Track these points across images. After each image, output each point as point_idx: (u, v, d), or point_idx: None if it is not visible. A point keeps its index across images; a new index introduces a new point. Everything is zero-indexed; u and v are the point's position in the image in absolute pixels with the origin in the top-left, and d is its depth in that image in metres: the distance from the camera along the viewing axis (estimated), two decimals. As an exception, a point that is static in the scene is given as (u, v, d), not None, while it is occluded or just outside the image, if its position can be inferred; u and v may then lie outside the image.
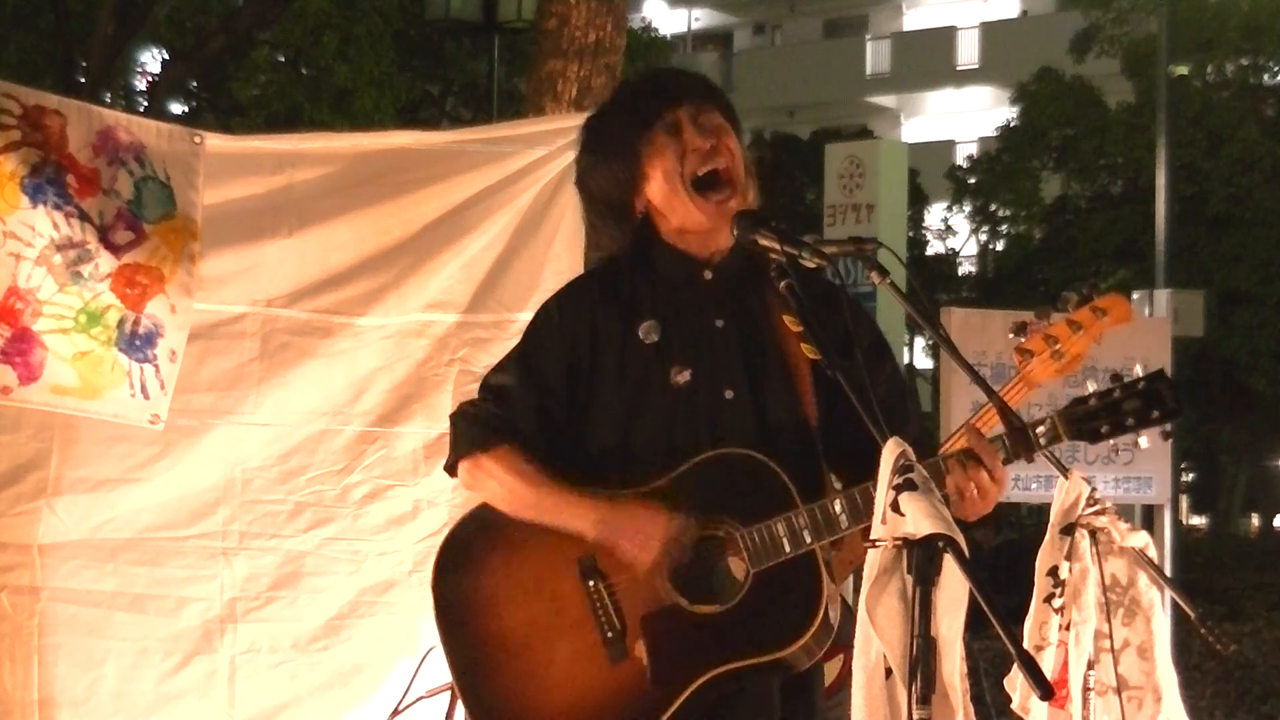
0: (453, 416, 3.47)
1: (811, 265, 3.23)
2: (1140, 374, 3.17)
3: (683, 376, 3.32)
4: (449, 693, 3.54)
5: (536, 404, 3.37)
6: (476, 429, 3.38)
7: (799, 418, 3.34)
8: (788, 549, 3.20)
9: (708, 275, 3.40)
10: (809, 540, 3.19)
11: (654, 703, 3.22)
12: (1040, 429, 3.15)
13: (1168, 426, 3.15)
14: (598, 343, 3.37)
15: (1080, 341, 3.69)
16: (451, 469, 3.44)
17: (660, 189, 3.39)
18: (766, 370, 3.35)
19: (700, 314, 3.38)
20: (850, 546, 3.46)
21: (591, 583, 3.28)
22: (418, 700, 4.24)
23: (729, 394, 3.33)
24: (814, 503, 3.21)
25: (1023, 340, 3.71)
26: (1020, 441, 3.13)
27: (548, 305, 3.51)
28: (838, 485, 3.33)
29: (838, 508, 3.19)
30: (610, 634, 3.26)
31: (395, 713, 4.34)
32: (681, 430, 3.31)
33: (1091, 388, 3.17)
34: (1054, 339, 3.70)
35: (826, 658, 3.37)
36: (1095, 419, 3.15)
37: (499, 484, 3.34)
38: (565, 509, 3.28)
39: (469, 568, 3.39)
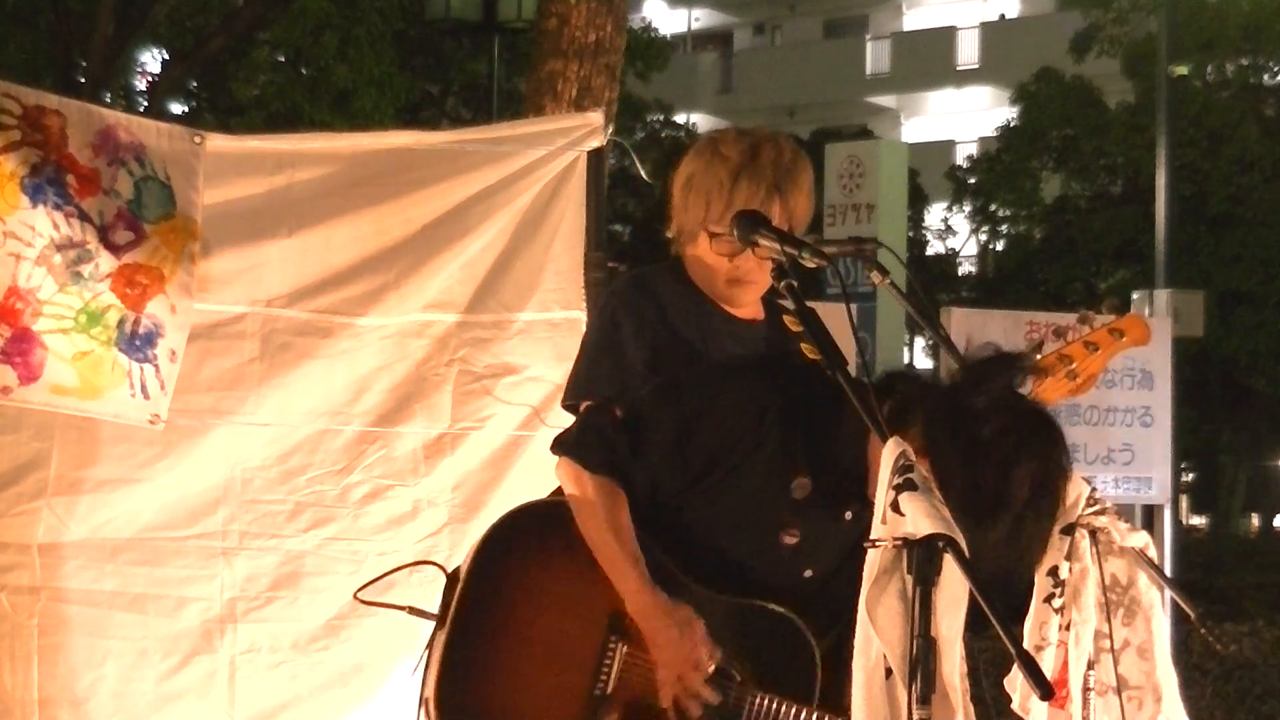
0: (589, 412, 3.48)
1: (812, 265, 3.24)
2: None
3: (791, 540, 3.33)
4: (432, 623, 3.47)
5: (655, 478, 3.33)
6: (601, 454, 3.32)
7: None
8: None
9: (862, 471, 3.33)
10: None
11: None
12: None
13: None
14: (745, 453, 3.31)
15: (1095, 362, 3.69)
16: (556, 451, 3.40)
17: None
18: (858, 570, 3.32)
19: (840, 501, 3.35)
20: None
21: (614, 639, 3.29)
22: (400, 609, 4.07)
23: (809, 574, 3.35)
24: (830, 710, 3.23)
25: (1038, 358, 3.70)
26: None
27: (736, 373, 3.44)
28: None
29: None
30: (598, 691, 3.28)
31: (362, 597, 4.18)
32: (759, 573, 3.33)
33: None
34: (1069, 359, 3.70)
35: None
36: None
37: (586, 503, 3.31)
38: (628, 576, 3.27)
39: (522, 548, 3.38)
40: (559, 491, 3.41)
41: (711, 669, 3.25)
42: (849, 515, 3.34)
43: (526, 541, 3.40)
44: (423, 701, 3.31)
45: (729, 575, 3.32)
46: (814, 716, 3.25)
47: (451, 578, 3.38)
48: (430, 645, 3.36)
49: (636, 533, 3.30)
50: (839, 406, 3.15)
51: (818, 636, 3.31)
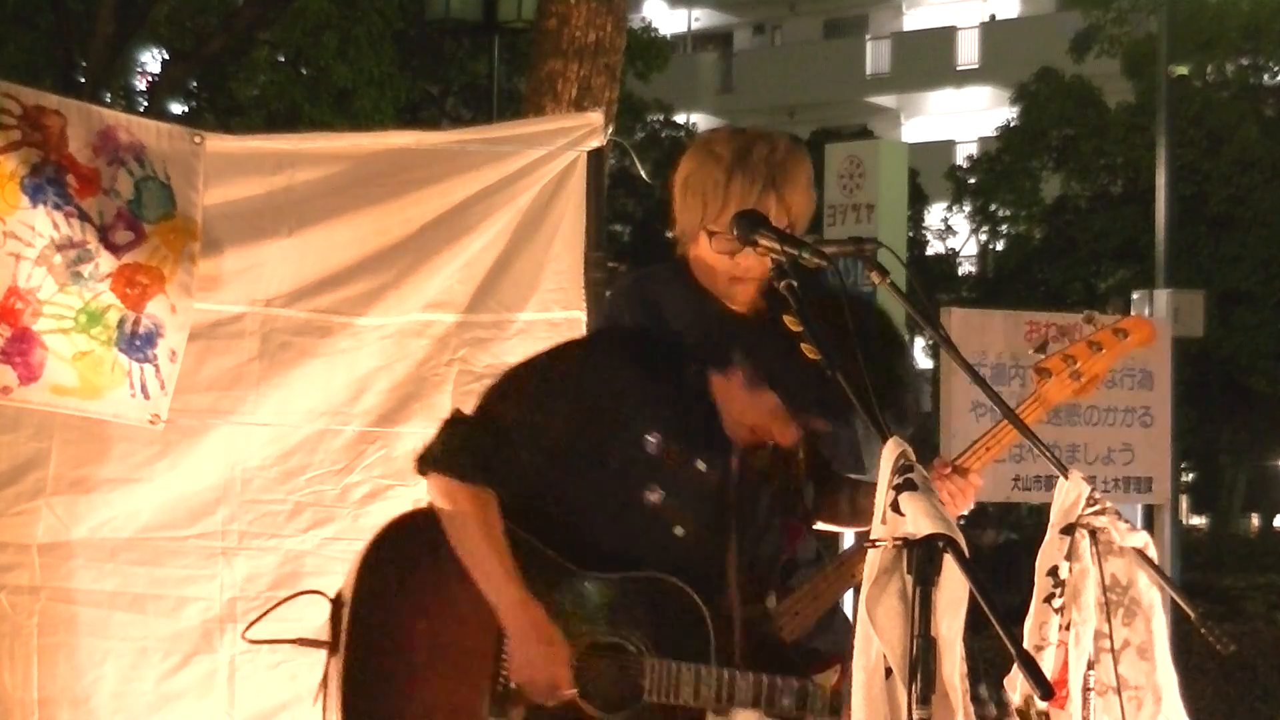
0: (449, 424, 3.48)
1: (812, 265, 3.24)
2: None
3: (654, 496, 3.40)
4: (325, 651, 3.49)
5: (525, 474, 3.39)
6: (469, 460, 3.38)
7: (744, 567, 3.44)
8: (684, 697, 3.31)
9: (712, 424, 3.43)
10: (705, 699, 3.32)
11: None
12: None
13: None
14: (608, 423, 3.40)
15: (1100, 363, 3.68)
16: (423, 470, 3.46)
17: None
18: (728, 523, 3.44)
19: (692, 452, 3.43)
20: (850, 564, 3.50)
21: (508, 634, 3.34)
22: (288, 643, 4.10)
23: (679, 531, 3.41)
24: (725, 669, 3.31)
25: (1041, 359, 3.69)
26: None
27: (582, 360, 3.54)
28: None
29: (741, 685, 3.31)
30: (500, 688, 3.32)
31: (247, 636, 4.19)
32: (636, 540, 3.39)
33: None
34: (1073, 359, 3.69)
35: (821, 668, 3.41)
36: None
37: (458, 517, 3.37)
38: (498, 590, 3.33)
39: (408, 556, 3.43)
40: None
41: (567, 697, 3.29)
42: (701, 465, 3.41)
43: (406, 553, 3.44)
44: None
45: (609, 551, 3.38)
46: (711, 674, 3.31)
47: (336, 602, 3.42)
48: (326, 674, 3.39)
49: (517, 531, 3.36)
50: (680, 363, 3.37)
51: (705, 596, 3.35)
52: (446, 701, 3.34)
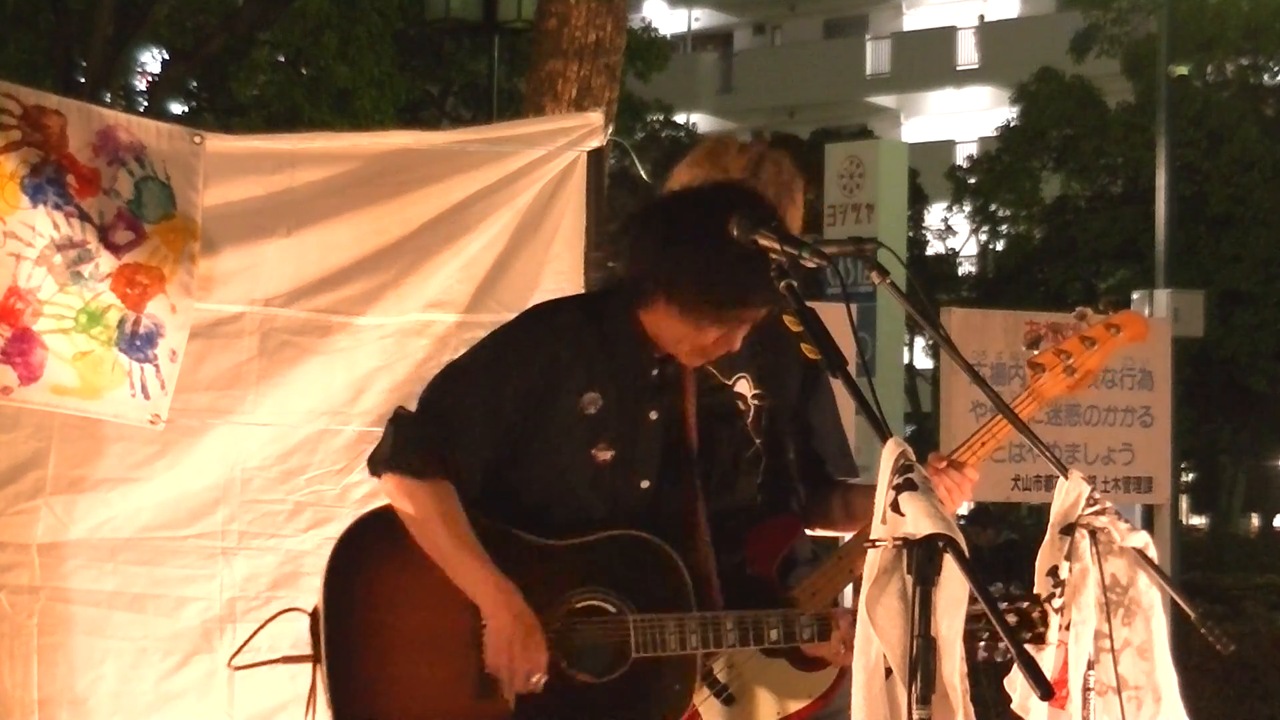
0: (394, 421, 3.47)
1: (812, 265, 3.24)
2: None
3: (606, 455, 3.40)
4: (309, 665, 3.51)
5: (484, 443, 3.40)
6: (418, 455, 3.38)
7: (694, 515, 3.44)
8: (672, 647, 3.31)
9: (655, 373, 3.45)
10: (694, 645, 3.32)
11: None
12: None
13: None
14: (548, 392, 3.41)
15: (1093, 358, 3.68)
16: (376, 473, 3.45)
17: (658, 321, 3.39)
18: (679, 464, 3.44)
19: (637, 402, 3.43)
20: (849, 559, 3.50)
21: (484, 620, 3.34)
22: (270, 663, 4.13)
23: (644, 484, 3.42)
24: (708, 611, 3.32)
25: (1035, 354, 3.69)
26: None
27: (517, 335, 3.51)
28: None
29: (729, 626, 3.31)
30: (485, 669, 3.31)
31: (232, 663, 4.22)
32: (597, 502, 3.40)
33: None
34: (1067, 354, 3.69)
35: (819, 668, 3.41)
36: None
37: (419, 515, 3.36)
38: (467, 574, 3.33)
39: (376, 555, 3.42)
40: None
41: (538, 679, 3.28)
42: (653, 415, 3.42)
43: (370, 555, 3.43)
44: None
45: (578, 519, 3.38)
46: (694, 619, 3.31)
47: (313, 615, 3.43)
48: (313, 687, 3.40)
49: (480, 517, 3.36)
50: (612, 324, 3.38)
51: (682, 549, 3.36)
52: (434, 691, 3.34)
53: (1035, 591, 3.91)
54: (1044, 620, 3.42)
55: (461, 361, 3.54)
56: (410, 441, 3.40)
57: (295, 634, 4.69)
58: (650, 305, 3.38)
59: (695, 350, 3.40)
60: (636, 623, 3.31)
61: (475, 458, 3.39)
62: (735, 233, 3.29)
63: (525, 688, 3.29)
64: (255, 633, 3.99)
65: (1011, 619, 3.36)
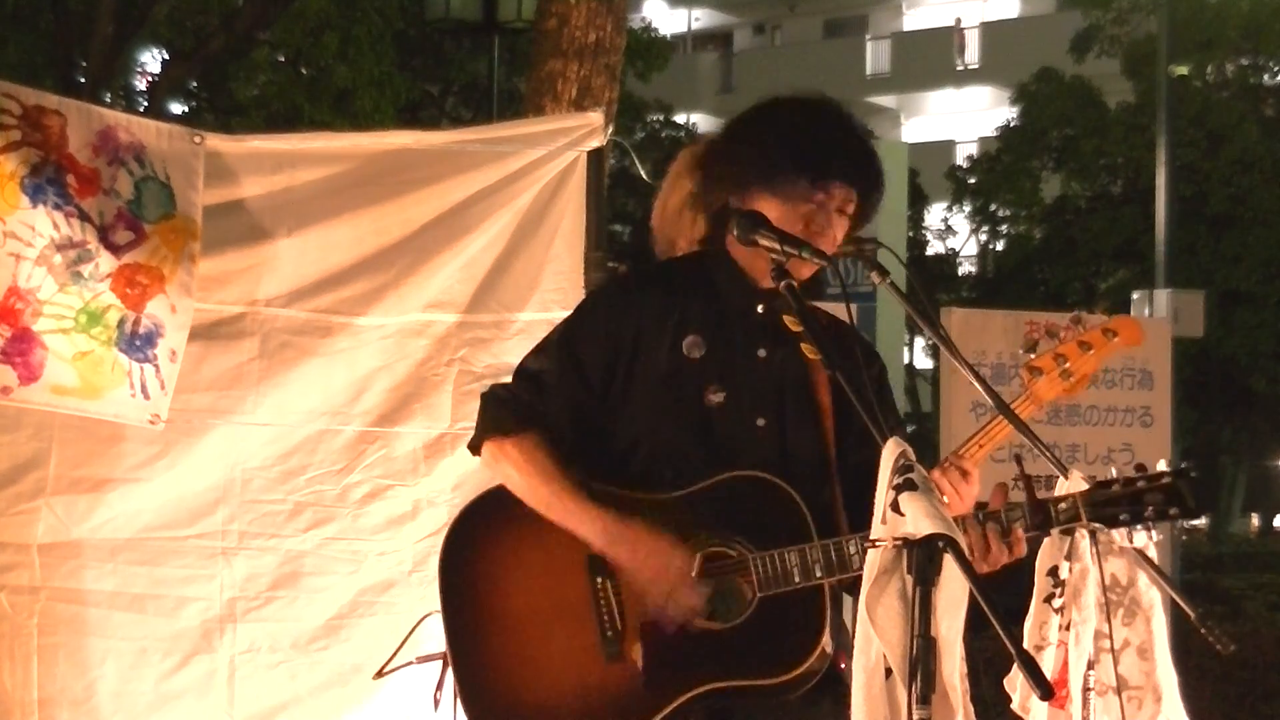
0: (484, 396, 3.48)
1: (812, 265, 3.24)
2: (1166, 466, 3.29)
3: (717, 397, 3.35)
4: (440, 661, 3.55)
5: (571, 396, 3.38)
6: (506, 413, 3.40)
7: (822, 456, 3.38)
8: (797, 580, 3.24)
9: (760, 308, 3.41)
10: (819, 575, 3.23)
11: (643, 706, 3.24)
12: (1062, 505, 3.25)
13: (1181, 523, 3.28)
14: (640, 345, 3.37)
15: (1090, 361, 3.71)
16: (475, 448, 3.46)
17: (777, 216, 3.35)
18: (799, 406, 3.38)
19: (746, 341, 3.39)
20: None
21: (599, 579, 3.30)
22: (408, 664, 4.23)
23: (760, 422, 3.36)
24: (830, 539, 3.24)
25: (1032, 357, 3.72)
26: (1039, 514, 3.23)
27: (597, 296, 3.54)
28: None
29: (852, 549, 3.22)
30: (610, 633, 3.28)
31: (381, 673, 4.32)
32: (707, 448, 3.33)
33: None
34: (1063, 358, 3.71)
35: None
36: (1116, 506, 3.24)
37: (518, 472, 3.36)
38: (576, 513, 3.31)
39: (481, 542, 3.41)
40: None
41: (693, 571, 3.23)
42: (762, 353, 3.38)
43: (476, 542, 3.42)
44: None
45: (693, 469, 3.32)
46: (815, 549, 3.23)
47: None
48: (440, 683, 3.40)
49: (592, 484, 3.33)
50: (707, 268, 3.39)
51: (804, 488, 3.29)
52: (562, 664, 3.30)
53: (1035, 591, 3.92)
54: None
55: (551, 332, 3.52)
56: (496, 408, 3.42)
57: (295, 633, 4.71)
58: (749, 204, 3.34)
59: (809, 231, 3.34)
60: (758, 562, 3.24)
61: (565, 414, 3.37)
62: (735, 232, 3.29)
63: (686, 602, 3.23)
64: (403, 643, 4.10)
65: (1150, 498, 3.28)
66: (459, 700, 3.35)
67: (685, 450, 3.34)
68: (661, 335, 3.37)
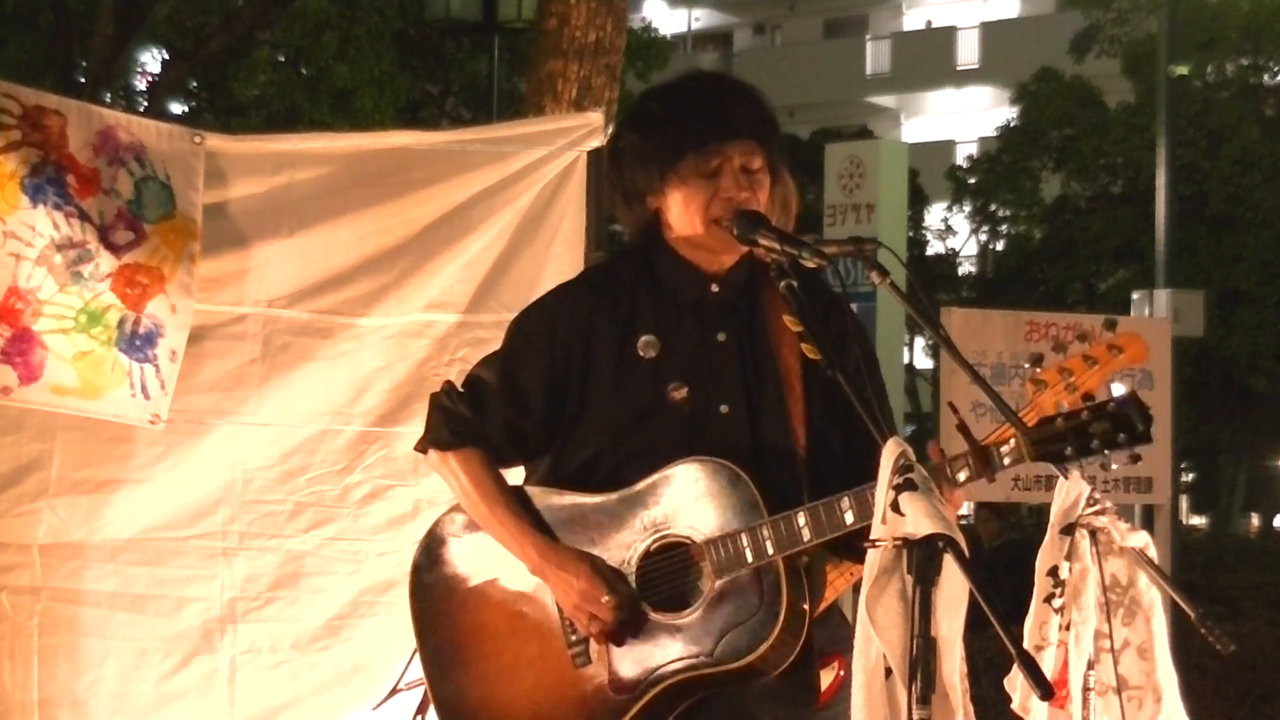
0: (432, 398, 3.50)
1: (812, 265, 3.24)
2: (1113, 394, 3.17)
3: (680, 393, 3.33)
4: (422, 687, 3.57)
5: (507, 417, 3.40)
6: (446, 426, 3.42)
7: (789, 434, 3.36)
8: (750, 560, 3.21)
9: (714, 289, 3.40)
10: (771, 552, 3.20)
11: (615, 708, 3.26)
12: (1004, 449, 3.15)
13: (1135, 449, 3.13)
14: (592, 355, 3.37)
15: (1094, 377, 3.74)
16: (423, 450, 3.50)
17: (679, 212, 3.36)
18: (763, 386, 3.36)
19: (702, 328, 3.37)
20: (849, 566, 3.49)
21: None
22: (394, 693, 4.25)
23: (724, 409, 3.34)
24: (778, 515, 3.21)
25: (1038, 371, 3.76)
26: (981, 461, 3.14)
27: (538, 311, 3.49)
28: None
29: (801, 520, 3.20)
30: (574, 638, 3.30)
31: (380, 705, 4.35)
32: (675, 445, 3.31)
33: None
34: (1069, 371, 3.74)
35: (821, 665, 3.38)
36: (1060, 441, 3.12)
37: (458, 485, 3.41)
38: (510, 537, 3.35)
39: (447, 562, 3.44)
40: None
41: (609, 600, 3.23)
42: (721, 337, 3.36)
43: (453, 544, 3.45)
44: None
45: (659, 465, 3.30)
46: (765, 527, 3.19)
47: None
48: (423, 706, 3.43)
49: (550, 492, 3.36)
50: (649, 264, 3.35)
51: (766, 471, 3.26)
52: (532, 671, 3.33)
53: (1035, 591, 3.92)
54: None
55: (500, 346, 3.53)
56: (441, 418, 3.44)
57: (295, 633, 4.71)
58: (669, 203, 3.34)
59: (719, 210, 3.31)
60: (711, 547, 3.22)
61: (502, 433, 3.39)
62: (735, 232, 3.29)
63: (597, 625, 3.25)
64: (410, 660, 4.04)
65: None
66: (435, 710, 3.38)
67: (654, 451, 3.32)
68: (612, 341, 3.36)
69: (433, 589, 3.43)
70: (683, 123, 3.33)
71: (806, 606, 3.25)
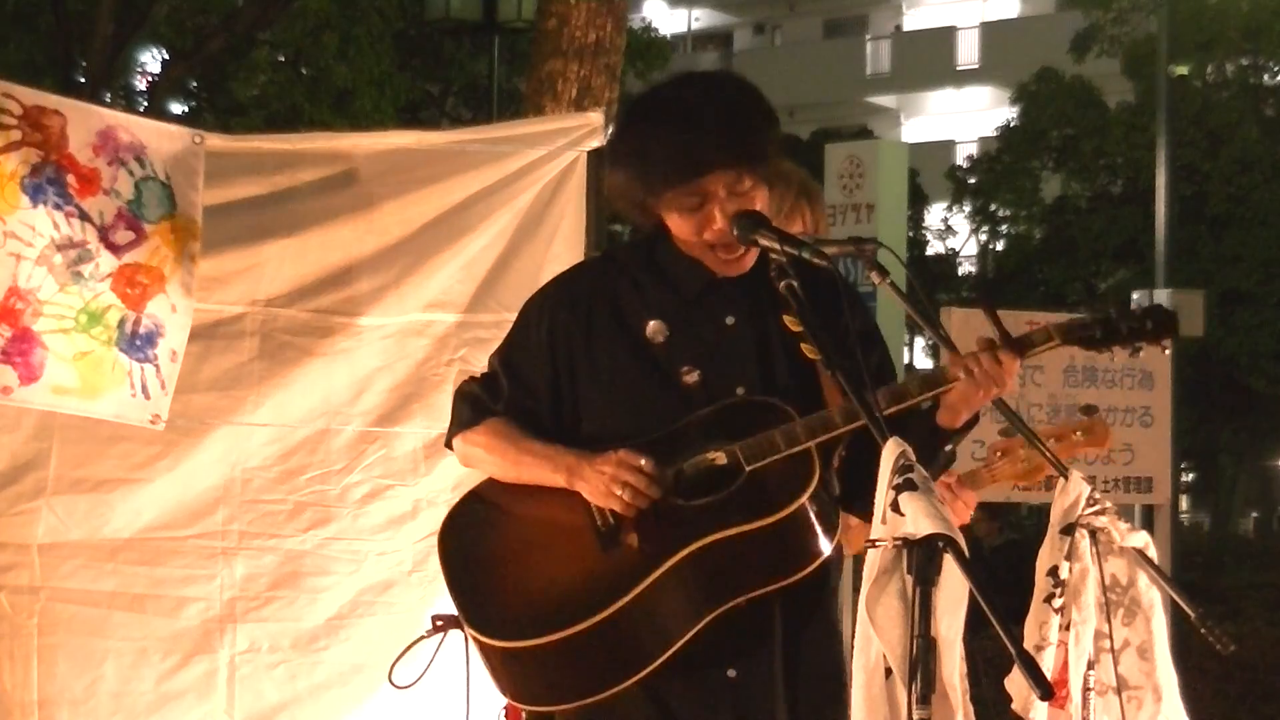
0: (456, 393, 3.50)
1: (812, 265, 3.24)
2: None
3: (692, 377, 3.31)
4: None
5: (520, 403, 3.39)
6: (467, 409, 3.43)
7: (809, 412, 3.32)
8: (783, 447, 3.20)
9: (718, 276, 3.38)
10: (803, 438, 3.20)
11: (637, 570, 3.20)
12: (1035, 334, 3.30)
13: (1166, 342, 3.29)
14: (594, 345, 3.35)
15: (1057, 453, 3.93)
16: (449, 444, 3.49)
17: (676, 231, 3.35)
18: (775, 367, 3.35)
19: (710, 313, 3.36)
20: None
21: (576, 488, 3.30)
22: (419, 639, 4.09)
23: (740, 391, 3.32)
24: (818, 413, 3.22)
25: (1004, 440, 3.90)
26: (1014, 341, 3.25)
27: (538, 304, 3.48)
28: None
29: (836, 415, 3.21)
30: (603, 528, 3.25)
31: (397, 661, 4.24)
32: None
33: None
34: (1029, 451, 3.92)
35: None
36: (1089, 329, 3.30)
37: (485, 450, 3.38)
38: (541, 459, 3.30)
39: (481, 506, 3.42)
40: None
41: (647, 463, 3.20)
42: (730, 320, 3.35)
43: (479, 510, 3.43)
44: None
45: None
46: (800, 425, 3.20)
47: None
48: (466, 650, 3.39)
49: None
50: (654, 255, 3.35)
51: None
52: (560, 564, 3.29)
53: (1035, 591, 3.93)
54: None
55: (505, 338, 3.53)
56: (463, 405, 3.44)
57: (295, 633, 4.71)
58: (666, 221, 3.34)
59: (713, 237, 3.30)
60: (742, 446, 3.21)
61: (516, 408, 3.38)
62: (735, 233, 3.29)
63: (633, 497, 3.20)
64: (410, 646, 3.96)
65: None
66: (469, 628, 3.32)
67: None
68: (619, 327, 3.35)
69: (466, 520, 3.41)
70: (651, 166, 3.29)
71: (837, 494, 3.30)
